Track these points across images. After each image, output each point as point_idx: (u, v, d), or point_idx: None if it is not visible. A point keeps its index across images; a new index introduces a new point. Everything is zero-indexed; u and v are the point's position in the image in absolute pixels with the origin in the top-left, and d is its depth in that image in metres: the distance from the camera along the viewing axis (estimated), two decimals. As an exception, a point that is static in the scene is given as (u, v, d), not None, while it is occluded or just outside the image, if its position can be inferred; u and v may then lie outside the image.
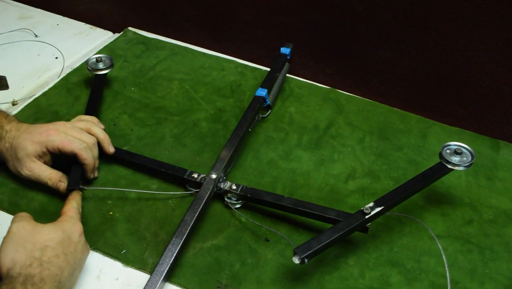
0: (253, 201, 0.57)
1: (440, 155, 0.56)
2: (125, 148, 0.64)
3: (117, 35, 0.89)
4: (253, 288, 0.49)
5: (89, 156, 0.56)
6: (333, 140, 0.69)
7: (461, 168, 0.55)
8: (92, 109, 0.66)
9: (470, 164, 0.54)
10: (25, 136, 0.54)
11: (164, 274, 0.46)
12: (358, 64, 0.77)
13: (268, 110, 0.72)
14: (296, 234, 0.55)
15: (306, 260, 0.45)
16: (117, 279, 0.50)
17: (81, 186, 0.55)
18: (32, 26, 0.89)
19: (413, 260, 0.54)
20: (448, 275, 0.50)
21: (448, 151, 0.56)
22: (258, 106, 0.68)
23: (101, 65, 0.72)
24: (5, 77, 0.74)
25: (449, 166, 0.55)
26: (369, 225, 0.51)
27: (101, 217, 0.55)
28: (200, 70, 0.81)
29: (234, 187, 0.56)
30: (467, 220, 0.59)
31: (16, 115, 0.57)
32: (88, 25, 0.93)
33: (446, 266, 0.50)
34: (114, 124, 0.69)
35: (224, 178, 0.58)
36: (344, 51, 0.77)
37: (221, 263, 0.52)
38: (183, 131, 0.69)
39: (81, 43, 0.87)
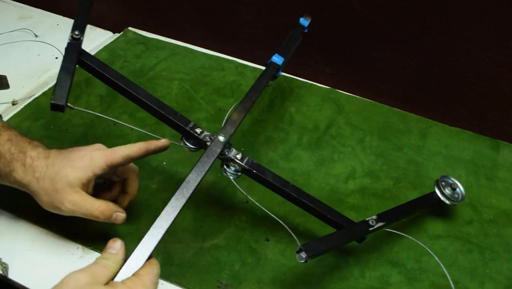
0: (255, 177, 0.51)
1: (437, 184, 0.59)
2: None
3: (117, 35, 0.89)
4: (253, 288, 0.49)
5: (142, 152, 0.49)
6: (333, 140, 0.69)
7: (448, 203, 0.58)
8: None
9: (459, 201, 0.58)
10: (63, 162, 0.46)
11: (157, 241, 0.40)
12: (358, 64, 0.77)
13: (274, 80, 0.66)
14: (296, 234, 0.55)
15: (309, 259, 0.44)
16: (117, 278, 0.50)
17: (68, 104, 0.46)
18: (32, 26, 0.89)
19: (413, 259, 0.54)
20: (449, 276, 0.50)
21: (443, 183, 0.59)
22: (273, 74, 0.62)
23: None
24: (5, 76, 0.74)
25: (442, 197, 0.58)
26: (365, 237, 0.51)
27: (101, 217, 0.55)
28: (200, 70, 0.81)
29: (238, 157, 0.50)
30: (467, 220, 0.59)
31: (40, 142, 0.49)
32: (88, 25, 0.92)
33: (443, 268, 0.51)
34: (114, 124, 0.68)
35: (230, 143, 0.52)
36: (344, 51, 0.77)
37: (221, 262, 0.52)
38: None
39: (81, 43, 0.87)
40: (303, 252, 0.43)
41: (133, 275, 0.38)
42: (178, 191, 0.44)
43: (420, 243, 0.52)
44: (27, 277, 0.49)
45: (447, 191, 0.58)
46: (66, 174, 0.45)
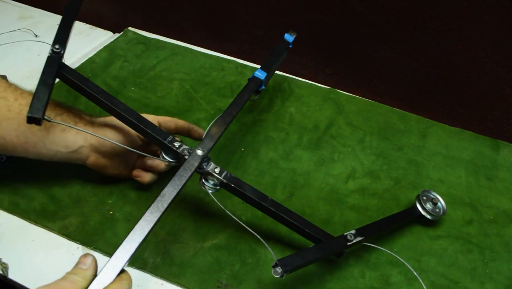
0: (233, 192, 0.51)
1: (418, 199, 0.59)
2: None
3: (117, 35, 0.89)
4: (253, 288, 0.49)
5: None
6: (333, 140, 0.69)
7: (430, 218, 0.58)
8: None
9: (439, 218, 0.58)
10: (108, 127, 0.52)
11: (130, 255, 0.40)
12: (358, 64, 0.77)
13: (257, 95, 0.66)
14: (296, 234, 0.55)
15: (285, 275, 0.43)
16: (117, 279, 0.50)
17: (45, 117, 0.46)
18: (32, 26, 0.89)
19: (413, 259, 0.54)
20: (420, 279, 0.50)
21: (425, 198, 0.59)
22: (255, 88, 0.62)
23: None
24: (6, 76, 0.74)
25: (423, 212, 0.58)
26: (344, 252, 0.50)
27: (101, 217, 0.55)
28: (200, 70, 0.81)
29: (217, 171, 0.50)
30: (467, 220, 0.59)
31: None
32: (88, 25, 0.93)
33: (416, 274, 0.51)
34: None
35: (209, 157, 0.51)
36: (344, 51, 0.77)
37: (221, 262, 0.52)
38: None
39: (81, 43, 0.87)
40: (278, 267, 0.43)
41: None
42: (153, 205, 0.44)
43: (397, 256, 0.52)
44: (27, 277, 0.49)
45: (428, 205, 0.58)
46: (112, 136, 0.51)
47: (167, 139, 0.51)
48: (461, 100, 0.73)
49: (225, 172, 0.51)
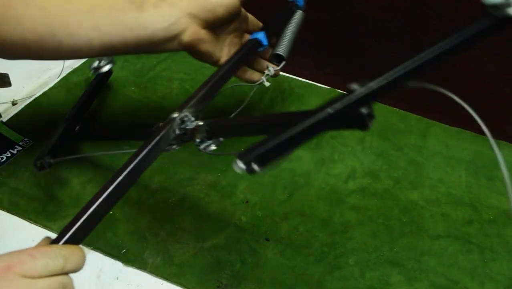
0: (222, 132, 0.46)
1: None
2: (125, 147, 0.64)
3: (117, 35, 0.89)
4: (253, 288, 0.49)
5: None
6: (333, 140, 0.69)
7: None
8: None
9: None
10: None
11: (69, 234, 0.34)
12: (358, 64, 0.77)
13: (281, 63, 0.61)
14: (296, 234, 0.55)
15: (257, 166, 0.33)
16: (117, 278, 0.50)
17: (49, 160, 0.51)
18: (32, 26, 0.89)
19: (413, 259, 0.54)
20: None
21: None
22: (250, 49, 0.56)
23: (103, 63, 0.72)
24: (7, 74, 0.74)
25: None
26: (368, 115, 0.35)
27: (101, 217, 0.55)
28: (201, 70, 0.81)
29: (201, 124, 0.45)
30: (467, 220, 0.59)
31: None
32: (88, 25, 0.93)
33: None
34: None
35: (192, 118, 0.46)
36: (344, 51, 0.77)
37: (221, 262, 0.52)
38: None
39: (81, 43, 0.87)
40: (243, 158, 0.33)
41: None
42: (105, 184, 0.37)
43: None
44: (27, 277, 0.49)
45: None
46: None
47: (154, 126, 0.48)
48: (461, 100, 0.73)
49: (209, 121, 0.45)
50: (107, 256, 0.52)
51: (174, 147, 0.47)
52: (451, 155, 0.69)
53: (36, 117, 0.68)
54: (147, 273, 0.50)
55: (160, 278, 0.50)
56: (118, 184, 0.37)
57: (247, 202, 0.59)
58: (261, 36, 0.57)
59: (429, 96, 0.75)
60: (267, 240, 0.54)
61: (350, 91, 0.34)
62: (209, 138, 0.46)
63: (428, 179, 0.64)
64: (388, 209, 0.60)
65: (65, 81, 0.76)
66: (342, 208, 0.59)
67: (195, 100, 0.47)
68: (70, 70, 0.78)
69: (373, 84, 0.34)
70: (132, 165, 0.38)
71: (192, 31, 0.49)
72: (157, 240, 0.53)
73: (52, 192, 0.57)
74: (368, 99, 0.34)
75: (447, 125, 0.74)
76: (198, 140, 0.46)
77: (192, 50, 0.52)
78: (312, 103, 0.76)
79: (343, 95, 0.34)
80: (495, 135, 0.78)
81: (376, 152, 0.68)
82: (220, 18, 0.51)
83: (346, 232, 0.56)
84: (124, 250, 0.52)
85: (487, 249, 0.56)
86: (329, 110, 0.34)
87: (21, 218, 0.54)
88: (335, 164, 0.66)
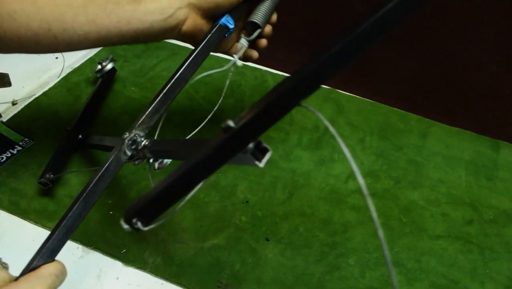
0: (162, 154, 0.43)
1: None
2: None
3: (117, 35, 0.89)
4: (253, 288, 0.49)
5: None
6: (333, 140, 0.69)
7: None
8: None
9: None
10: None
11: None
12: (358, 64, 0.77)
13: (256, 30, 0.55)
14: (296, 234, 0.55)
15: (140, 224, 0.31)
16: (117, 278, 0.50)
17: (50, 176, 0.54)
18: (32, 26, 0.89)
19: (413, 260, 0.54)
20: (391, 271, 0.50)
21: None
22: (216, 39, 0.51)
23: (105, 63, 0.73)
24: (7, 74, 0.74)
25: None
26: (255, 150, 0.29)
27: (101, 217, 0.55)
28: (200, 70, 0.81)
29: (147, 143, 0.42)
30: (467, 220, 0.59)
31: None
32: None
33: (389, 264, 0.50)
34: (114, 124, 0.69)
35: (142, 137, 0.43)
36: (344, 51, 0.77)
37: (222, 262, 0.52)
38: (183, 132, 0.69)
39: (81, 43, 0.87)
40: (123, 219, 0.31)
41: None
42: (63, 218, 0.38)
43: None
44: (27, 277, 0.49)
45: None
46: None
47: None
48: (461, 100, 0.73)
49: (151, 140, 0.42)
50: (107, 256, 0.52)
51: (137, 162, 0.44)
52: (451, 155, 0.69)
53: (36, 117, 0.68)
54: (147, 273, 0.50)
55: (160, 278, 0.50)
56: (76, 208, 0.39)
57: (247, 202, 0.59)
58: (225, 20, 0.51)
59: (429, 96, 0.75)
60: (267, 240, 0.54)
61: (225, 131, 0.27)
62: (155, 160, 0.43)
63: (428, 179, 0.64)
64: (388, 209, 0.60)
65: (65, 81, 0.76)
66: (342, 208, 0.59)
67: (145, 117, 0.44)
68: (70, 70, 0.78)
69: (247, 118, 0.26)
70: (87, 190, 0.39)
71: (192, 21, 0.49)
72: (157, 240, 0.53)
73: (52, 192, 0.57)
74: (247, 136, 0.27)
75: (447, 125, 0.74)
76: (151, 161, 0.43)
77: (192, 39, 0.51)
78: (312, 103, 0.76)
79: (218, 136, 0.28)
80: (495, 135, 0.78)
81: (376, 152, 0.68)
82: (222, 7, 0.50)
83: (346, 232, 0.56)
84: (124, 250, 0.52)
85: (487, 249, 0.56)
86: (200, 156, 0.29)
87: (21, 218, 0.54)
88: (335, 164, 0.66)
